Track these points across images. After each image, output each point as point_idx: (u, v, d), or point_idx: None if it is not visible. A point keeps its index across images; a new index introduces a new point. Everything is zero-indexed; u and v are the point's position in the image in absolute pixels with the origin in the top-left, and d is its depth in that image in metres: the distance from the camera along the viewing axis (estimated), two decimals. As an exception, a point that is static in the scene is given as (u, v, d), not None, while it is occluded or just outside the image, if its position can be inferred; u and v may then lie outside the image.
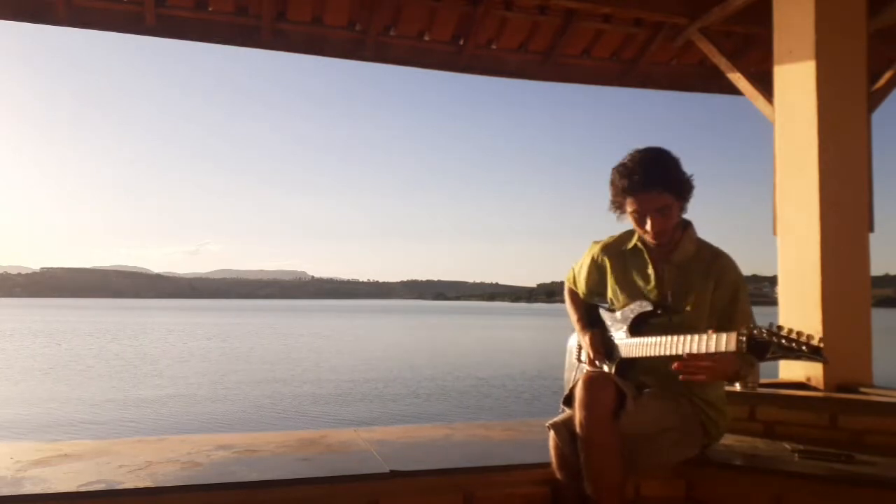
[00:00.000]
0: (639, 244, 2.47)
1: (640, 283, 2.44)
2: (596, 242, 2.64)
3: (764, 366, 3.08)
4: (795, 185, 3.29)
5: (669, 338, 2.17)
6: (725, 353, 2.00)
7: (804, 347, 1.79)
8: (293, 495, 2.23)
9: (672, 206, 2.30)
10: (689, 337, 2.11)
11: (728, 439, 2.77)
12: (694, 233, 2.44)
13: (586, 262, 2.64)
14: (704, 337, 2.05)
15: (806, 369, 3.19)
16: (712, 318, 2.30)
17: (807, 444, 2.69)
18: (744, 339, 1.91)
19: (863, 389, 3.03)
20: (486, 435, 2.99)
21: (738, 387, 3.05)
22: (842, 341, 3.11)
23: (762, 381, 3.10)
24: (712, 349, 2.02)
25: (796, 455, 2.55)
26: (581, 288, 2.66)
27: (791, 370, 3.28)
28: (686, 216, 2.41)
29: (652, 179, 2.24)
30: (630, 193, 2.28)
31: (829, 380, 3.09)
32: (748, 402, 2.99)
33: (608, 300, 2.57)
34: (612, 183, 2.34)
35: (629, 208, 2.33)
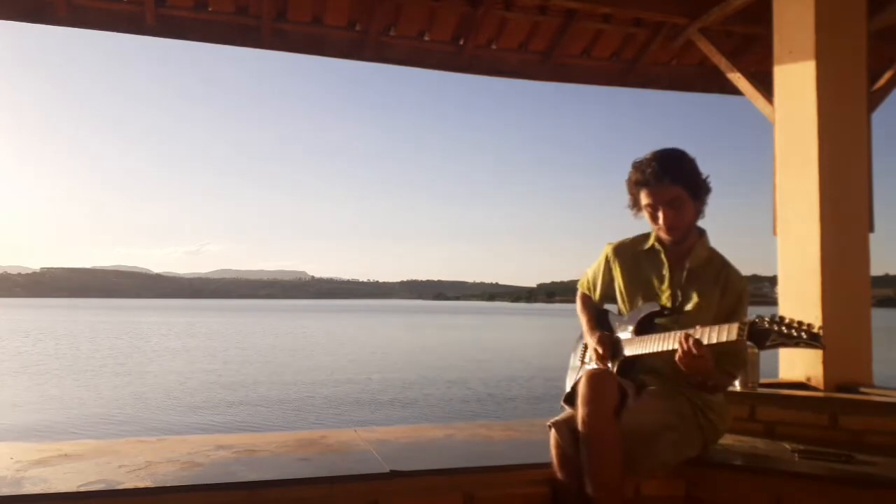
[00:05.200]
0: (656, 244, 2.50)
1: (655, 283, 2.47)
2: (610, 244, 2.67)
3: (764, 365, 3.09)
4: (795, 185, 3.29)
5: (672, 332, 2.21)
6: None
7: (803, 334, 1.85)
8: (293, 495, 2.22)
9: (684, 200, 2.34)
10: (691, 330, 2.15)
11: (728, 439, 2.77)
12: (708, 241, 2.49)
13: (601, 263, 2.67)
14: (707, 328, 2.11)
15: (806, 369, 3.19)
16: (716, 322, 2.31)
17: (807, 444, 2.69)
18: (745, 327, 1.97)
19: (863, 389, 3.03)
20: (486, 435, 2.99)
21: (738, 387, 3.05)
22: (842, 341, 3.11)
23: (762, 381, 3.10)
24: (714, 340, 2.07)
25: (796, 455, 2.55)
26: (596, 291, 2.68)
27: (791, 370, 3.28)
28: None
29: (664, 171, 2.31)
30: (643, 185, 2.35)
31: (829, 380, 3.09)
32: (748, 402, 2.99)
33: (618, 300, 2.59)
34: (629, 178, 2.41)
35: (644, 201, 2.38)
